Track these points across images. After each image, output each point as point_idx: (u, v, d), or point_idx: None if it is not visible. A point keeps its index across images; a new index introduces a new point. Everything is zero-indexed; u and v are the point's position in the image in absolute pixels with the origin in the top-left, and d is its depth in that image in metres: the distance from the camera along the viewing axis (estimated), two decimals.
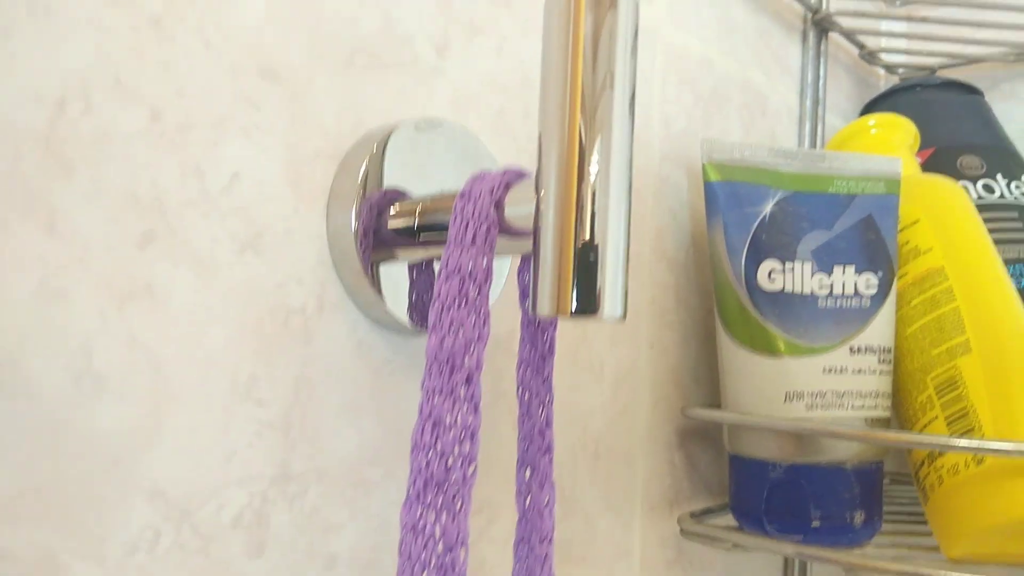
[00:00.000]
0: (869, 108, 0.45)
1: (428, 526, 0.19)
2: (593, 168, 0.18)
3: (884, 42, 0.46)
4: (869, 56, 0.46)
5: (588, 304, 0.18)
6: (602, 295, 0.18)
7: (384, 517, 0.23)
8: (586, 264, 0.17)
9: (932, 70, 0.48)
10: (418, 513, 0.19)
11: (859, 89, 0.47)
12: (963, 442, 0.27)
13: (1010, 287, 0.31)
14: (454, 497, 0.19)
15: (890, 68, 0.48)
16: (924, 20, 0.44)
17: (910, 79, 0.45)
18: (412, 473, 0.19)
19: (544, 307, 0.18)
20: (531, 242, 0.18)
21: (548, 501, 0.22)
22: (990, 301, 0.31)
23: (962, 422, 0.29)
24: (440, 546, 0.19)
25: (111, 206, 0.17)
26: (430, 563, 0.19)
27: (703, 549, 0.35)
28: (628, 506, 0.31)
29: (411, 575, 0.19)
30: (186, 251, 0.19)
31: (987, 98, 0.46)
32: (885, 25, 0.45)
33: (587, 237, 0.17)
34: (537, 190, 0.18)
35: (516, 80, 0.26)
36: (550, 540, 0.22)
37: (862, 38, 0.45)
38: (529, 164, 0.26)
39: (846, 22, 0.43)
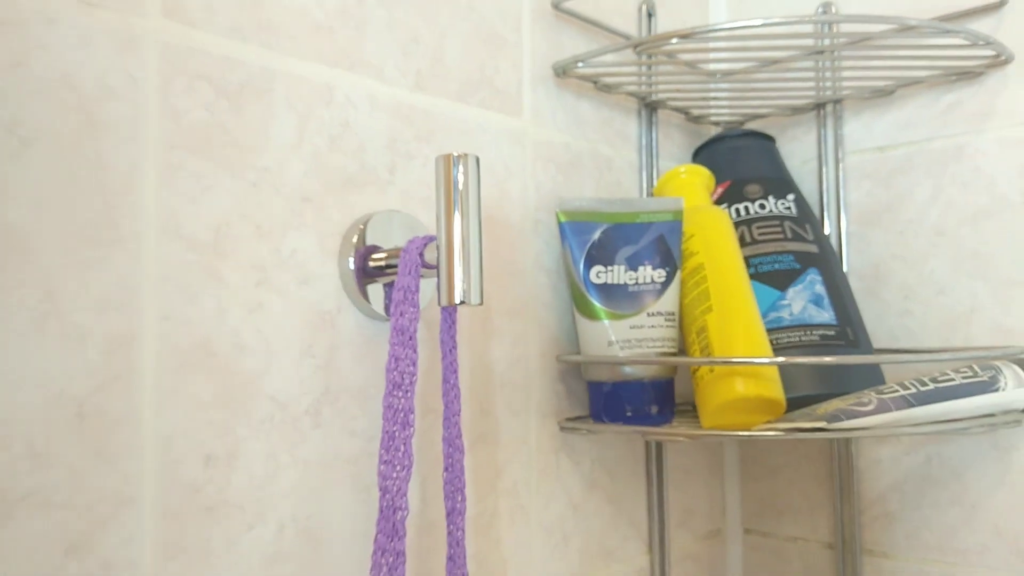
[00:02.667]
0: (696, 154, 0.67)
1: (398, 410, 0.41)
2: (457, 238, 0.39)
3: (709, 106, 0.67)
4: (694, 118, 0.68)
5: (464, 297, 0.39)
6: (470, 293, 0.39)
7: (379, 411, 0.44)
8: (459, 278, 0.39)
9: (741, 122, 0.69)
10: (390, 407, 0.41)
11: (691, 139, 0.69)
12: (704, 360, 0.48)
13: (742, 275, 0.53)
14: (406, 396, 0.41)
15: (713, 123, 0.69)
16: (734, 87, 0.65)
17: (723, 132, 0.66)
18: (386, 386, 0.41)
19: (443, 299, 0.39)
20: (436, 271, 0.40)
21: (457, 411, 0.44)
22: (726, 283, 0.52)
23: (706, 351, 0.51)
24: (398, 426, 0.41)
25: (247, 268, 0.39)
26: (396, 436, 0.41)
27: (574, 438, 0.56)
28: (525, 416, 0.53)
29: (387, 443, 0.40)
30: (277, 286, 0.40)
31: (778, 141, 0.67)
32: (709, 91, 0.67)
33: (457, 264, 0.39)
34: (438, 246, 0.40)
35: (434, 183, 0.48)
36: (459, 433, 0.44)
37: (686, 105, 0.66)
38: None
39: (672, 100, 0.65)
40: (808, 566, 0.65)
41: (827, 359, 0.46)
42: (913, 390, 0.48)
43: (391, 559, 0.40)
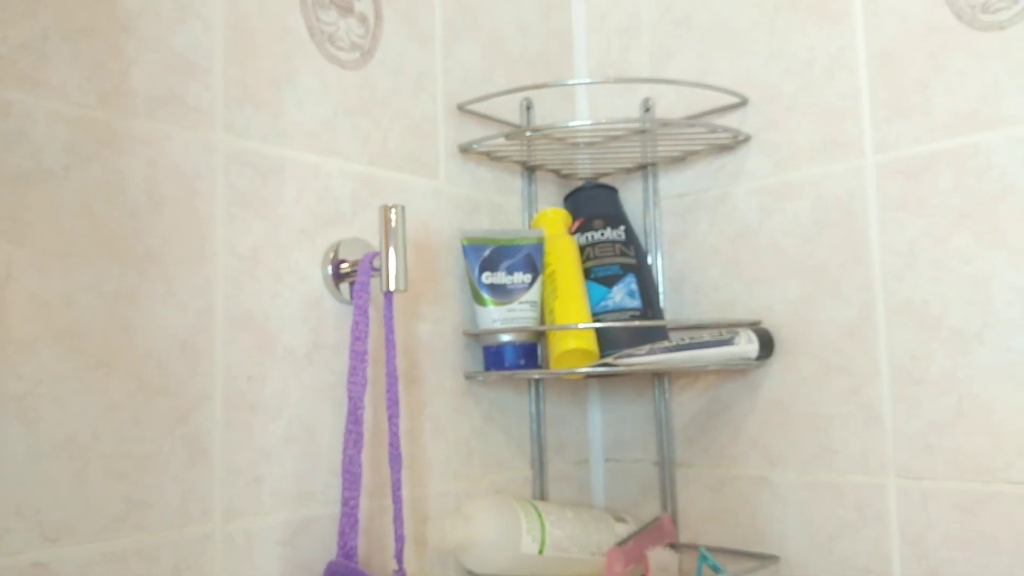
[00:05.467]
0: (566, 199, 0.97)
1: (358, 353, 0.70)
2: (392, 253, 0.69)
3: (573, 167, 0.98)
4: (563, 175, 0.99)
5: (396, 286, 0.69)
6: (399, 283, 0.69)
7: (347, 356, 0.74)
8: (392, 276, 0.69)
9: (595, 177, 1.00)
10: (354, 352, 0.70)
11: (561, 189, 1.00)
12: (547, 327, 0.79)
13: (579, 279, 0.84)
14: (363, 346, 0.70)
15: (577, 178, 1.01)
16: (590, 154, 0.96)
17: (582, 184, 0.97)
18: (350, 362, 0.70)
19: (384, 287, 0.69)
20: (380, 272, 0.70)
21: (393, 356, 0.73)
22: (567, 283, 0.83)
23: (552, 323, 0.81)
24: (359, 362, 0.70)
25: (270, 272, 0.69)
26: (357, 369, 0.70)
27: (475, 385, 0.86)
28: (442, 369, 0.82)
29: (352, 372, 0.70)
30: (287, 282, 0.70)
31: (619, 190, 0.99)
32: (574, 157, 0.97)
33: (391, 267, 0.69)
34: (380, 257, 0.70)
35: (378, 221, 0.78)
36: (395, 369, 0.73)
37: (557, 167, 0.97)
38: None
39: (546, 164, 0.95)
40: (645, 480, 0.95)
41: (616, 324, 0.77)
42: (675, 343, 0.79)
43: (354, 438, 0.69)
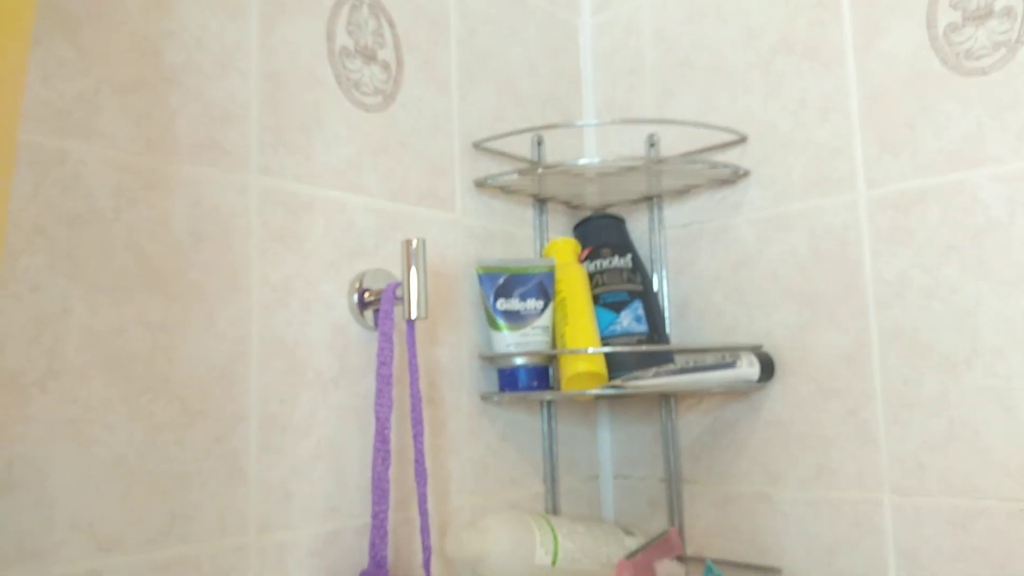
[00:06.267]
0: (575, 228, 1.02)
1: (384, 376, 0.75)
2: (413, 283, 0.74)
3: (583, 199, 1.03)
4: (573, 207, 1.04)
5: (416, 313, 0.74)
6: (420, 311, 0.74)
7: (373, 379, 0.79)
8: (414, 304, 0.74)
9: (604, 208, 1.05)
10: (380, 375, 0.75)
11: (571, 219, 1.05)
12: (558, 351, 0.83)
13: (588, 305, 0.88)
14: (388, 370, 0.75)
15: (586, 208, 1.06)
16: (599, 187, 1.01)
17: (590, 215, 1.02)
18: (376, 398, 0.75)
19: (407, 315, 0.75)
20: (402, 301, 0.75)
21: (416, 379, 0.79)
22: (577, 309, 0.88)
23: (562, 347, 0.86)
24: (384, 385, 0.75)
25: (300, 301, 0.74)
26: (383, 391, 0.75)
27: (490, 405, 0.90)
28: (459, 390, 0.87)
29: (379, 394, 0.75)
30: (315, 311, 0.75)
31: (627, 220, 1.03)
32: (583, 190, 1.02)
33: (413, 297, 0.74)
34: (403, 287, 0.75)
35: (401, 253, 0.83)
36: (418, 391, 0.78)
37: (567, 199, 1.02)
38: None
39: (557, 196, 1.01)
40: (652, 496, 0.99)
41: (624, 348, 0.81)
42: (680, 366, 0.84)
43: (382, 456, 0.74)
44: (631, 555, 0.85)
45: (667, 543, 0.90)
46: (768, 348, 0.90)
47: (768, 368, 0.87)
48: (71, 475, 0.60)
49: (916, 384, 0.80)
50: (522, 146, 0.98)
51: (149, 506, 0.63)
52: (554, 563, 0.81)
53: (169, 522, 0.64)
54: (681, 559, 0.91)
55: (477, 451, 0.89)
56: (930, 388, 0.79)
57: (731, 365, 0.85)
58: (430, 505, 0.83)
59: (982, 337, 0.76)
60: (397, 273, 0.82)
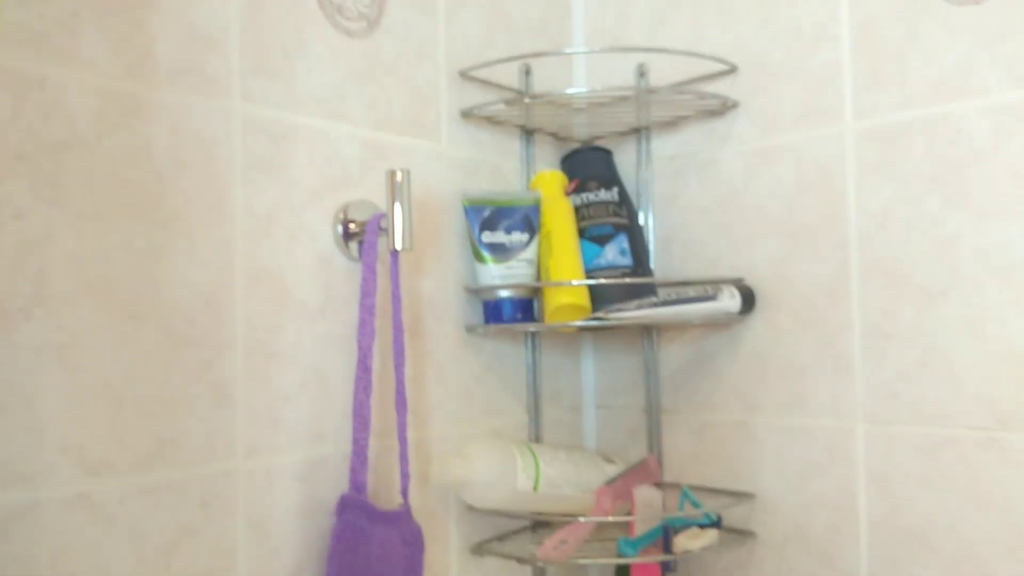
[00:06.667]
0: (562, 161, 1.02)
1: (367, 307, 0.76)
2: (398, 214, 0.74)
3: (570, 130, 1.03)
4: (560, 139, 1.03)
5: (401, 244, 0.75)
6: (405, 242, 0.75)
7: (357, 310, 0.80)
8: (398, 235, 0.74)
9: (591, 140, 1.05)
10: (363, 306, 0.76)
11: (557, 151, 1.04)
12: (541, 283, 0.84)
13: (573, 238, 0.89)
14: (371, 300, 0.76)
15: (573, 141, 1.05)
16: (587, 118, 1.00)
17: (578, 147, 1.01)
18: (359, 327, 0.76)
19: (391, 246, 0.75)
20: (387, 232, 0.76)
21: (399, 309, 0.79)
22: (561, 242, 0.88)
23: (547, 280, 0.86)
24: (368, 315, 0.76)
25: (285, 231, 0.74)
26: (366, 320, 0.76)
27: (475, 337, 0.92)
28: (444, 322, 0.88)
29: (362, 323, 0.76)
30: (300, 241, 0.75)
31: (614, 153, 1.03)
32: (570, 121, 1.02)
33: (397, 228, 0.74)
34: (388, 218, 0.75)
35: (385, 183, 0.83)
36: (400, 322, 0.79)
37: (554, 130, 1.02)
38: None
39: (544, 128, 1.00)
40: (633, 425, 1.01)
41: (608, 281, 0.82)
42: (663, 299, 0.84)
43: (364, 384, 0.75)
44: (610, 481, 0.88)
45: (646, 470, 0.93)
46: (750, 281, 0.90)
47: (749, 300, 0.88)
48: (59, 400, 0.61)
49: (893, 315, 0.81)
50: (510, 76, 0.97)
51: (137, 430, 0.64)
52: (535, 489, 0.83)
53: (157, 446, 0.65)
54: (659, 485, 0.94)
55: (462, 381, 0.90)
56: (906, 319, 0.80)
57: (712, 298, 0.85)
58: (413, 433, 0.84)
59: (960, 269, 0.77)
60: (382, 204, 0.82)
